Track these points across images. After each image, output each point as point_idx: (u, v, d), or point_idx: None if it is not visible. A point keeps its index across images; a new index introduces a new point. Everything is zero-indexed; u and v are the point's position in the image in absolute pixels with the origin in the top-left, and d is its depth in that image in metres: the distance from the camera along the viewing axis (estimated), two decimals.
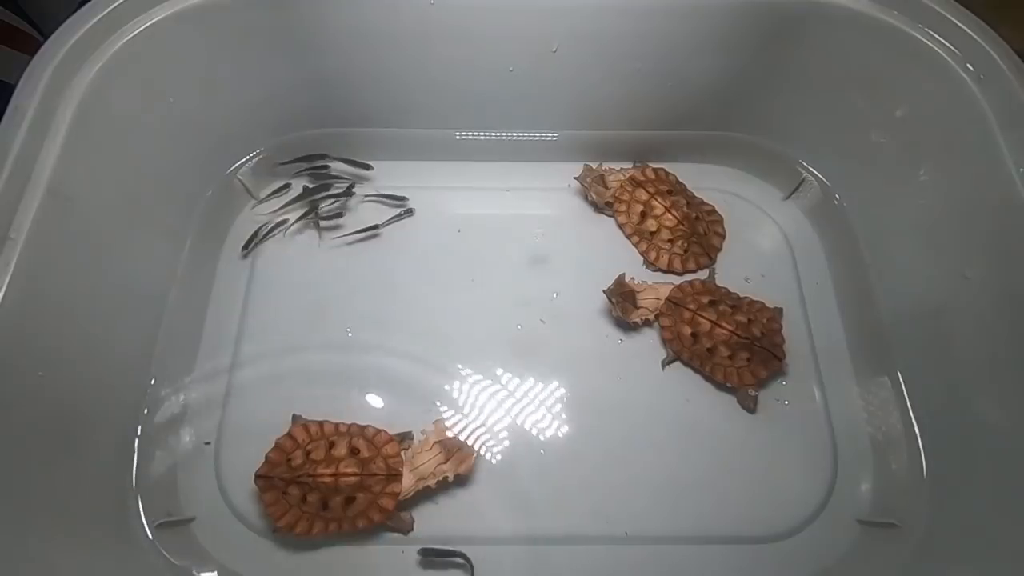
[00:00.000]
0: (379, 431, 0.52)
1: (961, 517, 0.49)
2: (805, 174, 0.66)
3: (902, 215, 0.58)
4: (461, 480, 0.52)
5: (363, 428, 0.53)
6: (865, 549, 0.51)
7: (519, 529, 0.52)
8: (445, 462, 0.50)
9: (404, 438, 0.53)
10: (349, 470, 0.48)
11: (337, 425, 0.53)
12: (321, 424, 0.53)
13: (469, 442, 0.54)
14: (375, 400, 0.57)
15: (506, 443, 0.55)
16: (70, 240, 0.47)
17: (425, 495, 0.52)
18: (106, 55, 0.50)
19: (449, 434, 0.52)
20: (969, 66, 0.49)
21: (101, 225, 0.51)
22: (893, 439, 0.55)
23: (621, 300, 0.58)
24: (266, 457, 0.51)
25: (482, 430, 0.55)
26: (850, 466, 0.54)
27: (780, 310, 0.60)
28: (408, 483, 0.49)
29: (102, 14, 0.50)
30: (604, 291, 0.58)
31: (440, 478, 0.50)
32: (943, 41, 0.51)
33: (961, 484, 0.50)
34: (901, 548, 0.50)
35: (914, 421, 0.55)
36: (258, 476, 0.49)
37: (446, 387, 0.57)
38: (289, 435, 0.52)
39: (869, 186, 0.61)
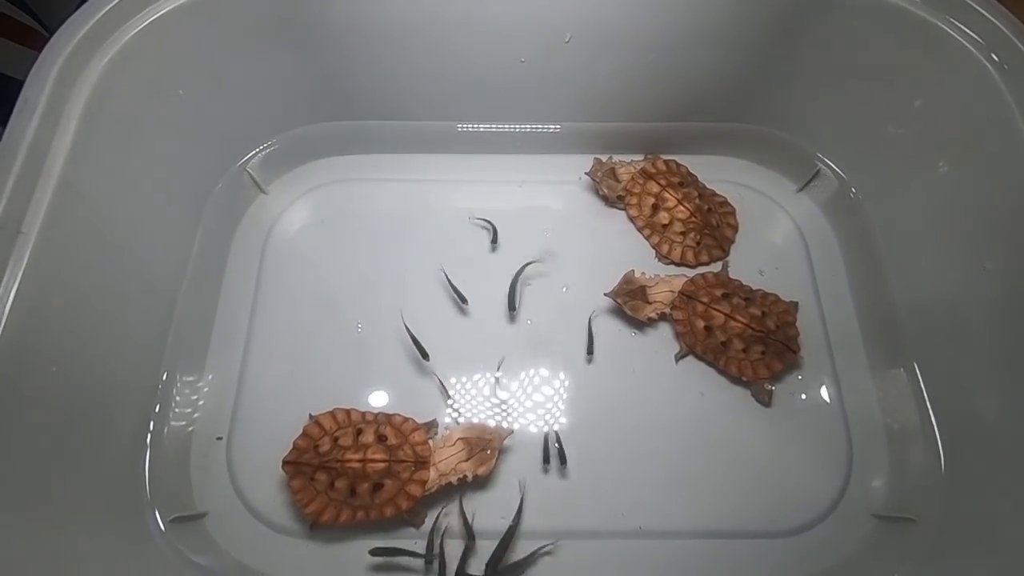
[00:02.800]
0: (406, 419, 0.52)
1: (979, 512, 0.48)
2: (820, 166, 0.65)
3: (920, 207, 0.57)
4: (480, 481, 0.51)
5: (390, 416, 0.53)
6: (881, 544, 0.51)
7: (532, 523, 0.52)
8: (466, 460, 0.50)
9: (430, 427, 0.53)
10: (377, 456, 0.48)
11: (364, 413, 0.53)
12: (348, 412, 0.53)
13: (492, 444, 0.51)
14: (386, 394, 0.56)
15: (517, 437, 0.55)
16: (81, 234, 0.47)
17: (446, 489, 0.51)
18: (115, 48, 0.49)
19: (474, 432, 0.51)
20: (993, 56, 0.48)
21: (112, 219, 0.50)
22: (909, 433, 0.54)
23: (630, 299, 0.57)
24: (294, 444, 0.51)
25: (493, 425, 0.55)
26: (865, 460, 0.54)
27: (795, 304, 0.59)
28: (432, 476, 0.49)
29: (110, 6, 0.49)
30: (607, 294, 0.58)
31: (460, 476, 0.50)
32: (965, 30, 0.50)
33: (979, 478, 0.49)
34: (918, 543, 0.50)
35: (931, 414, 0.54)
36: (286, 462, 0.49)
37: (456, 382, 0.57)
38: (316, 422, 0.52)
39: (886, 178, 0.60)
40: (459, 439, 0.50)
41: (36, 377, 0.43)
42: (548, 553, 0.50)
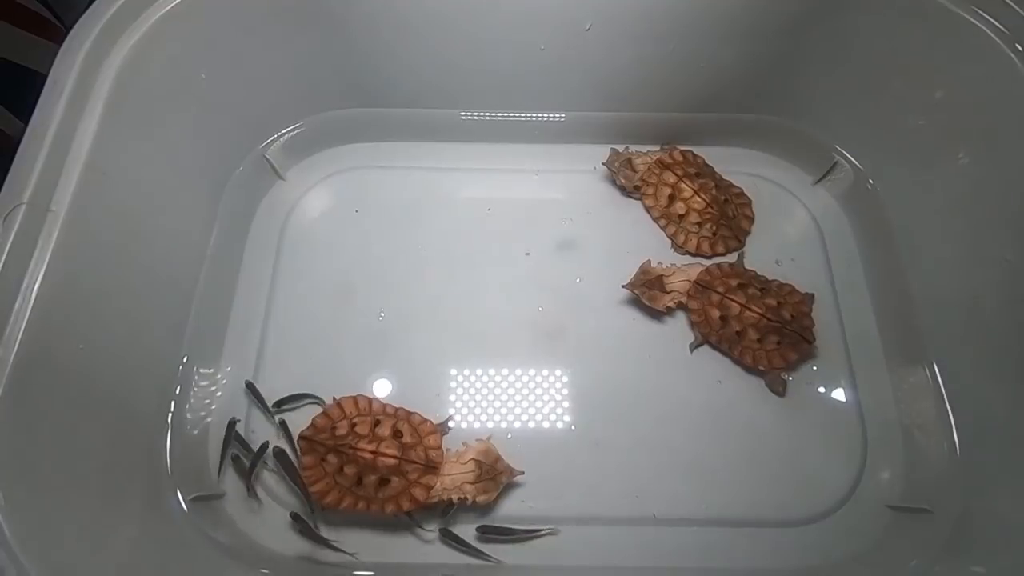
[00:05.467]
0: (425, 420, 0.53)
1: (996, 503, 0.48)
2: (838, 158, 0.65)
3: (939, 199, 0.57)
4: (479, 508, 0.51)
5: (410, 414, 0.53)
6: (896, 535, 0.51)
7: (548, 510, 0.52)
8: (472, 483, 0.49)
9: (443, 427, 0.53)
10: (389, 451, 0.49)
11: (385, 406, 0.53)
12: (370, 400, 0.53)
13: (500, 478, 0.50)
14: (400, 379, 0.57)
15: (535, 425, 0.55)
16: (106, 214, 0.48)
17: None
18: (140, 31, 0.50)
19: (489, 459, 0.50)
20: (1018, 46, 0.48)
21: (134, 200, 0.51)
22: (925, 424, 0.54)
23: (647, 289, 0.57)
24: (312, 421, 0.51)
25: (511, 412, 0.56)
26: (880, 451, 0.54)
27: (811, 295, 0.59)
28: (438, 486, 0.49)
29: None
30: (625, 286, 0.58)
31: (462, 496, 0.49)
32: (990, 19, 0.49)
33: (996, 469, 0.49)
34: (933, 534, 0.50)
35: (947, 405, 0.54)
36: (301, 437, 0.50)
37: (472, 370, 0.57)
38: (338, 404, 0.52)
39: (905, 170, 0.60)
40: (472, 459, 0.50)
41: (64, 353, 0.43)
42: (550, 534, 0.51)
